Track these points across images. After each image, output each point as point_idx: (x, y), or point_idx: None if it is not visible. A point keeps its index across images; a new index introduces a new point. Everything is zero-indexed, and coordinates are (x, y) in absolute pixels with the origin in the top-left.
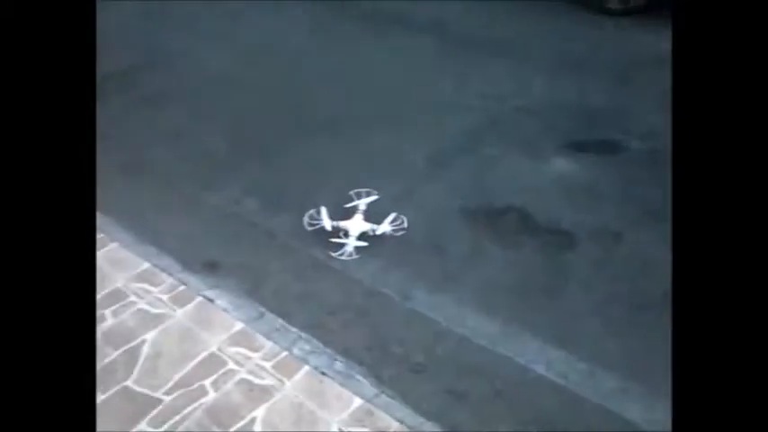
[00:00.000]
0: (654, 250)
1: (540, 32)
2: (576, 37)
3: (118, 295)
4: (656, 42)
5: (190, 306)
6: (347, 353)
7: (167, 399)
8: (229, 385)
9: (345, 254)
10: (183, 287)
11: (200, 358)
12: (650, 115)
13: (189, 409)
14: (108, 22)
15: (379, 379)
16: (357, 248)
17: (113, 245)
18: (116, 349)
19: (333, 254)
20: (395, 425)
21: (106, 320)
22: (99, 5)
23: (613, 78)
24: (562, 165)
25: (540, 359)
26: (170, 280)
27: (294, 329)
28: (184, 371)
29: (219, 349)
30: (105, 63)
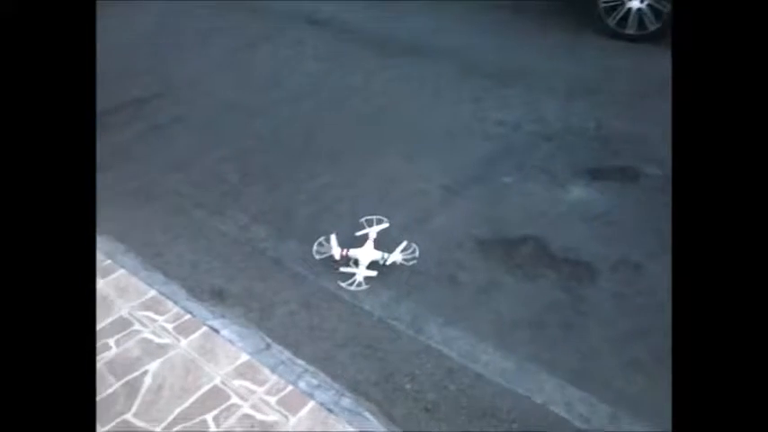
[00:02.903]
0: None
1: (552, 59)
2: (589, 63)
3: (122, 323)
4: None
5: (194, 336)
6: (355, 388)
7: None
8: (231, 420)
9: (355, 284)
10: (188, 316)
11: (202, 391)
12: (668, 141)
13: None
14: (121, 50)
15: (388, 417)
16: (367, 278)
17: (121, 271)
18: (118, 380)
19: (342, 283)
20: None
21: (110, 349)
22: (113, 33)
23: (629, 104)
24: (580, 192)
25: (559, 399)
26: (175, 308)
27: (301, 362)
28: (186, 404)
29: (223, 382)
30: (119, 93)
